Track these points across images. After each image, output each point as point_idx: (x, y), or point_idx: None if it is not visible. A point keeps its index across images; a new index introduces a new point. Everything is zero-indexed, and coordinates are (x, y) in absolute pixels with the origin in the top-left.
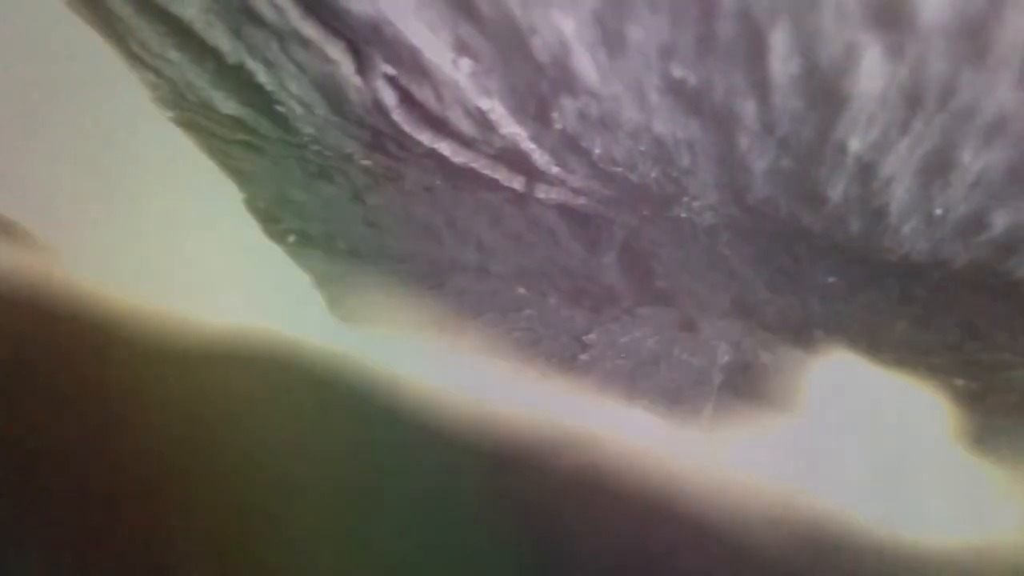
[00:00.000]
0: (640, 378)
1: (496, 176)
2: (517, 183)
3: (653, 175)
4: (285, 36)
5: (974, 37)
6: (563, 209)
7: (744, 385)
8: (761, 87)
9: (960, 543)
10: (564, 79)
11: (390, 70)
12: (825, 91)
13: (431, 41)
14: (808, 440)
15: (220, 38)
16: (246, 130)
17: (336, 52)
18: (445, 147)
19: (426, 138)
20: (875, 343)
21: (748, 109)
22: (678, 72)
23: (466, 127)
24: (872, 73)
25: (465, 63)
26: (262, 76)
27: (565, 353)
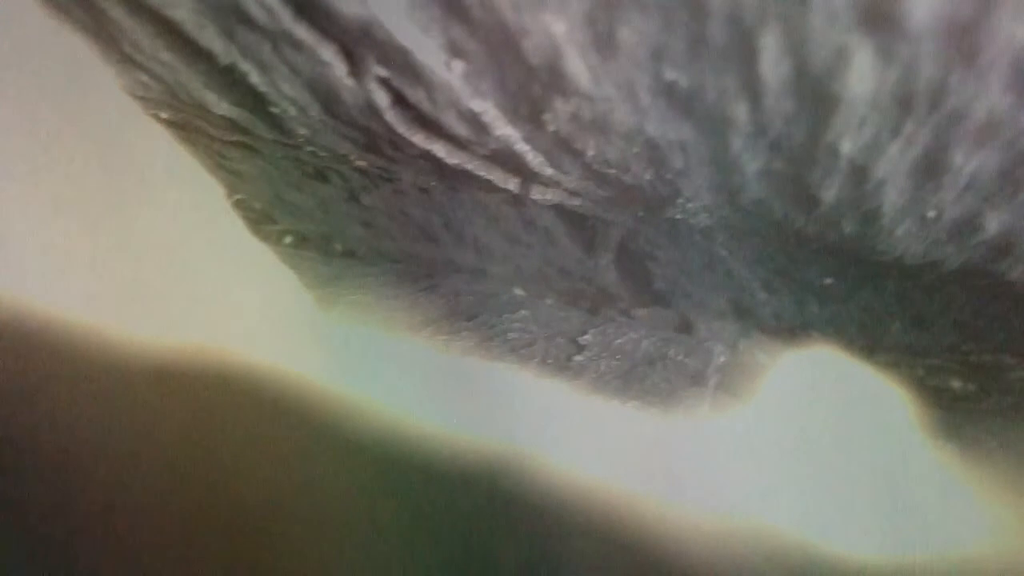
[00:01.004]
0: (635, 379)
1: (491, 177)
2: (512, 184)
3: (647, 177)
4: (277, 38)
5: (964, 40)
6: (560, 210)
7: (739, 386)
8: (753, 89)
9: (957, 552)
10: (556, 81)
11: (382, 72)
12: (816, 93)
13: (423, 43)
14: (800, 443)
15: (212, 40)
16: (240, 131)
17: (328, 54)
18: (439, 148)
19: (420, 139)
20: (872, 345)
21: (740, 111)
22: (670, 74)
23: (459, 129)
24: (863, 75)
25: (457, 65)
26: (255, 77)
27: (560, 354)
